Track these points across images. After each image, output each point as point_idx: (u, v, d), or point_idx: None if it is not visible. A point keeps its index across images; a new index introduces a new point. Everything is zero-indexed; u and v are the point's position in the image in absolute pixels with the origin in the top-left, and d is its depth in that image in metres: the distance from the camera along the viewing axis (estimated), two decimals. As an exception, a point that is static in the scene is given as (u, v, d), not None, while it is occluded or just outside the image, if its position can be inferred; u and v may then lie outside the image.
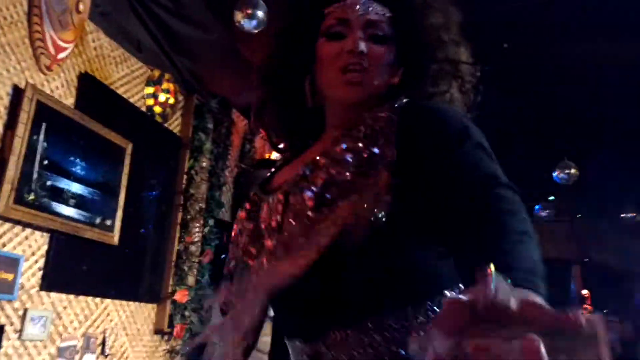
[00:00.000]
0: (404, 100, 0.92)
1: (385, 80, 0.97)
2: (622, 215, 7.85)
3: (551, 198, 8.70)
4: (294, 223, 0.82)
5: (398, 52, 0.98)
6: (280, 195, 0.88)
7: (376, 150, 0.82)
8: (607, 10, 3.72)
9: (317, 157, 0.86)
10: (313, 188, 0.82)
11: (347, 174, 0.81)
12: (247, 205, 0.99)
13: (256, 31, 3.77)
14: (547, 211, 7.66)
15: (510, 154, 7.11)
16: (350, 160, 0.82)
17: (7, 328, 3.22)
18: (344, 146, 0.84)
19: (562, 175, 5.58)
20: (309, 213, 0.80)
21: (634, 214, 7.74)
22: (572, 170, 5.53)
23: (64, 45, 3.48)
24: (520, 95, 5.10)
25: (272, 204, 0.89)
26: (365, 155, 0.82)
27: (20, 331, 3.31)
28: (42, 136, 3.38)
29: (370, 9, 0.97)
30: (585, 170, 6.01)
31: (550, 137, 5.56)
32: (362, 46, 0.94)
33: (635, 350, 5.34)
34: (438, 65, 1.00)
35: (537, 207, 7.79)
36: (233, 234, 0.99)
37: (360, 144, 0.84)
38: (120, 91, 4.24)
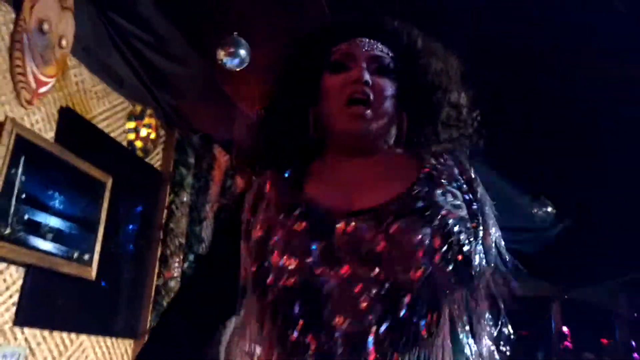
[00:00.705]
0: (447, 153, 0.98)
1: (390, 116, 1.00)
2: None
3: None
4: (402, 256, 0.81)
5: (400, 93, 1.02)
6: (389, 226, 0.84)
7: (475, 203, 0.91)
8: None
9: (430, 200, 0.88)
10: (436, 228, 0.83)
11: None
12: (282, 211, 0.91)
13: (238, 69, 3.86)
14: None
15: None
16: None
17: (-22, 365, 3.16)
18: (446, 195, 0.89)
19: (539, 213, 5.70)
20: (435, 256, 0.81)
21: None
22: (549, 209, 5.66)
23: (45, 79, 3.52)
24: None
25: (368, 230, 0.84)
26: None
27: (-9, 368, 3.24)
28: (20, 170, 3.38)
29: (375, 46, 1.02)
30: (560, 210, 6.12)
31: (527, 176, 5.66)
32: (367, 76, 0.98)
33: None
34: (444, 109, 1.03)
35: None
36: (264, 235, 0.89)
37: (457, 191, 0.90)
38: (101, 126, 4.27)
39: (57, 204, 3.71)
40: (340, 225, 0.86)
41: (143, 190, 4.84)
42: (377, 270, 0.81)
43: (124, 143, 4.51)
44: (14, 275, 3.44)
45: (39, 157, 3.55)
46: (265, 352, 0.88)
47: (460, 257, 0.84)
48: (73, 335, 3.90)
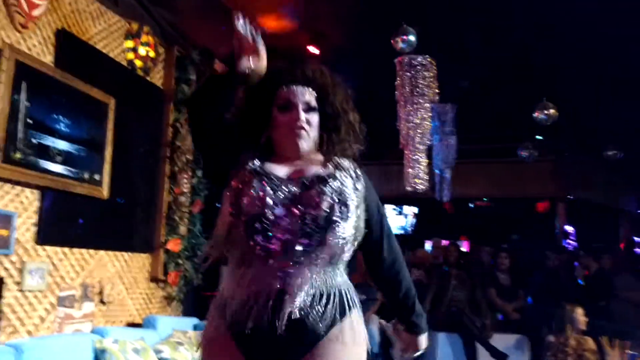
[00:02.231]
0: (343, 161, 1.64)
1: (316, 135, 1.64)
2: (605, 152, 7.99)
3: (538, 138, 8.83)
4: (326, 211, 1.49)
5: (320, 120, 1.64)
6: (319, 187, 1.52)
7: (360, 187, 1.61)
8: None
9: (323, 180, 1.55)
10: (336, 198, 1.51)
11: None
12: (248, 177, 1.53)
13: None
14: (529, 151, 7.79)
15: (492, 98, 7.20)
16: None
17: (7, 280, 3.38)
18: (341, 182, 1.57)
19: (541, 116, 5.68)
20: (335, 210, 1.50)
21: (617, 151, 7.88)
22: (551, 111, 5.62)
23: (37, 1, 3.49)
24: (500, 44, 5.15)
25: (309, 193, 1.50)
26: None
27: (20, 283, 3.47)
28: (23, 95, 3.44)
29: (306, 93, 1.62)
30: (566, 108, 6.11)
31: (529, 79, 5.63)
32: (303, 117, 1.60)
33: (613, 281, 5.62)
34: (344, 127, 1.67)
35: (518, 149, 7.93)
36: (240, 191, 1.51)
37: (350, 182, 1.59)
38: (99, 46, 4.26)
39: (63, 127, 3.79)
40: (289, 187, 1.52)
41: (146, 110, 4.90)
42: (302, 209, 1.48)
43: (124, 63, 4.51)
44: (30, 198, 3.60)
45: (40, 82, 3.60)
46: (237, 250, 1.52)
47: (343, 206, 1.51)
48: (92, 251, 4.12)
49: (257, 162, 1.57)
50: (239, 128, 1.65)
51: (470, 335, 4.93)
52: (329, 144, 1.65)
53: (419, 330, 1.75)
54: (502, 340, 4.95)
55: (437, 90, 5.68)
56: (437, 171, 6.80)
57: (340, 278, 1.55)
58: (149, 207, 4.87)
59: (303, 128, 1.59)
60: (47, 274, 3.67)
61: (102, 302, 4.19)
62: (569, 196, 9.23)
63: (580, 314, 4.35)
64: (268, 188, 1.49)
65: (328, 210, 1.48)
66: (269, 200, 1.47)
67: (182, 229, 5.04)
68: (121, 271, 4.45)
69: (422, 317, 1.75)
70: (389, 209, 10.52)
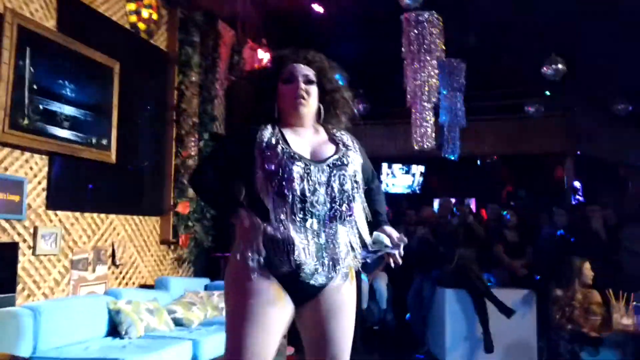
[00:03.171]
0: (345, 136, 2.01)
1: (315, 106, 1.96)
2: (615, 106, 7.89)
3: (547, 93, 8.72)
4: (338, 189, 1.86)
5: (318, 94, 1.96)
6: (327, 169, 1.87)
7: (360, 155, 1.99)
8: None
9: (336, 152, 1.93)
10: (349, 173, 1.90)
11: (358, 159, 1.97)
12: (267, 146, 1.84)
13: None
14: (536, 107, 7.71)
15: (500, 54, 7.08)
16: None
17: (21, 245, 3.45)
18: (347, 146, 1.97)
19: (549, 71, 5.59)
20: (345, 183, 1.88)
21: (626, 105, 7.78)
22: (560, 66, 5.53)
23: (37, -35, 3.44)
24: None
25: (319, 172, 1.85)
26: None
27: (34, 247, 3.54)
28: (27, 61, 3.43)
29: (305, 69, 1.95)
30: (576, 63, 6.01)
31: (537, 33, 5.52)
32: (303, 86, 1.92)
33: (619, 234, 5.63)
34: (340, 101, 2.01)
35: (526, 105, 7.84)
36: (265, 151, 1.83)
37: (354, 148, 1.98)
38: (101, 10, 4.21)
39: (68, 92, 3.79)
40: (315, 168, 1.85)
41: (151, 73, 4.87)
42: (330, 188, 1.85)
43: (127, 26, 4.47)
44: (39, 163, 3.63)
45: (44, 47, 3.58)
46: (270, 202, 1.80)
47: (359, 181, 1.92)
48: (102, 216, 4.18)
49: (278, 136, 1.87)
50: (251, 105, 1.99)
51: (478, 291, 4.99)
52: (327, 115, 1.99)
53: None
54: (509, 296, 5.01)
55: (443, 47, 5.60)
56: (445, 129, 6.76)
57: (351, 235, 1.91)
58: (157, 171, 4.90)
59: (303, 96, 1.91)
60: (60, 238, 3.74)
61: (114, 264, 4.27)
62: (577, 152, 9.16)
63: (587, 268, 4.39)
64: (304, 172, 1.82)
65: (348, 189, 1.86)
66: (309, 184, 1.82)
67: (191, 192, 5.07)
68: (132, 234, 4.52)
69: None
70: (396, 169, 10.51)
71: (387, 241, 1.91)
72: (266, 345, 1.77)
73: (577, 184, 9.73)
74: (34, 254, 3.54)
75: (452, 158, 6.87)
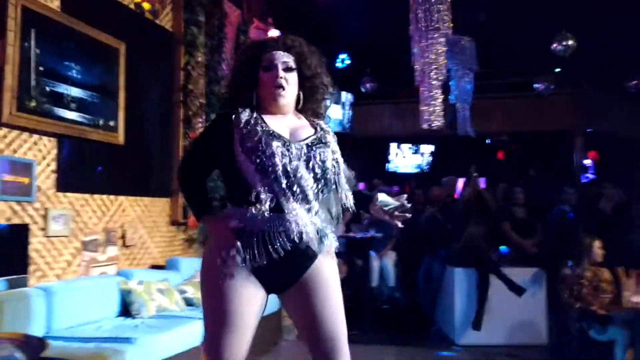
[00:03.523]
0: (322, 123, 2.06)
1: (295, 93, 1.99)
2: (626, 82, 7.78)
3: (557, 70, 8.62)
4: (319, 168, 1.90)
5: (298, 81, 1.99)
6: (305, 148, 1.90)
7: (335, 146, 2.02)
8: None
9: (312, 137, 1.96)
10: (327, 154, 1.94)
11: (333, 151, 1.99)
12: (244, 127, 1.88)
13: None
14: (546, 84, 7.63)
15: (510, 31, 6.98)
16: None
17: (33, 227, 3.48)
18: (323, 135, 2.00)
19: (559, 47, 5.51)
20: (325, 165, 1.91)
21: (637, 81, 7.67)
22: (570, 42, 5.44)
23: (41, -55, 3.41)
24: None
25: (297, 151, 1.87)
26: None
27: (45, 229, 3.57)
28: (33, 43, 3.42)
29: (284, 57, 1.96)
30: (586, 40, 5.92)
31: (548, 9, 5.42)
32: (282, 74, 1.94)
33: (630, 211, 5.59)
34: (320, 88, 2.04)
35: (535, 84, 7.75)
36: (261, 152, 1.83)
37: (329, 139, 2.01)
38: (106, -10, 4.18)
39: (75, 74, 3.78)
40: (294, 145, 1.88)
41: (157, 54, 4.85)
42: (312, 166, 1.88)
43: (132, 6, 4.44)
44: (48, 146, 3.64)
45: (49, 28, 3.56)
46: (254, 180, 1.83)
47: (338, 159, 1.98)
48: (112, 197, 4.20)
49: (257, 118, 1.91)
50: (232, 92, 2.03)
51: (487, 270, 5.00)
52: (305, 102, 2.03)
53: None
54: (519, 274, 5.01)
55: (452, 24, 5.52)
56: (457, 107, 6.70)
57: (333, 211, 1.97)
58: (165, 152, 4.91)
59: (282, 85, 1.93)
60: (71, 220, 3.76)
61: (125, 245, 4.30)
62: (587, 129, 9.08)
63: (597, 246, 4.37)
64: (284, 148, 1.85)
65: (329, 165, 1.91)
66: (290, 160, 1.84)
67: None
68: (142, 215, 4.54)
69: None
70: (405, 148, 10.47)
71: (390, 199, 1.96)
72: (242, 343, 1.85)
73: (587, 161, 9.65)
74: (45, 235, 3.57)
75: (468, 136, 6.82)
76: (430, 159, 10.70)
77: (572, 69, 8.06)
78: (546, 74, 8.03)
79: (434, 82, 5.81)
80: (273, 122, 1.92)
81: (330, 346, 1.87)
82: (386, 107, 9.64)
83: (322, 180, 1.88)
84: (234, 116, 1.89)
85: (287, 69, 1.95)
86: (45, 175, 3.61)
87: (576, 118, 8.78)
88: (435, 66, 5.70)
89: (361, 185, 9.15)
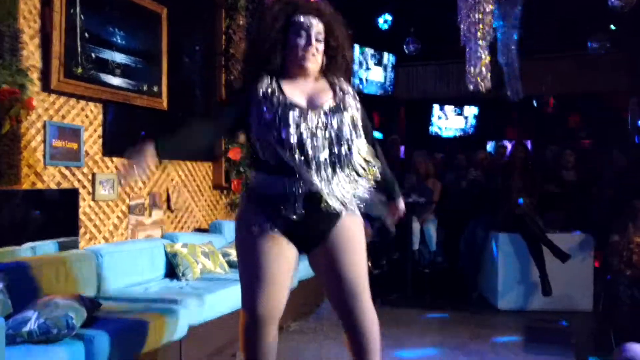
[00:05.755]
0: (343, 83, 2.06)
1: (320, 60, 2.02)
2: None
3: (612, 27, 8.18)
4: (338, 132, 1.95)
5: (325, 50, 2.02)
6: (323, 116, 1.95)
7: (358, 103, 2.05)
8: None
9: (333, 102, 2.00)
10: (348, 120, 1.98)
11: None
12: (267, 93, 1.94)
13: None
14: (601, 43, 7.25)
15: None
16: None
17: (81, 191, 3.58)
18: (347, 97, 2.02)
19: (616, 2, 5.21)
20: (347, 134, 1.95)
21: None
22: (628, -4, 5.13)
23: None
24: None
25: (317, 117, 1.93)
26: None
27: (93, 193, 3.68)
28: (78, 9, 3.45)
29: (317, 25, 1.97)
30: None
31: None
32: (314, 43, 1.97)
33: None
34: (342, 61, 2.06)
35: (589, 42, 7.37)
36: (277, 123, 1.89)
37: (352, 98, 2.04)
38: (146, -47, 4.15)
39: (119, 39, 3.82)
40: (311, 114, 1.94)
41: (199, 18, 4.84)
42: (329, 133, 1.93)
43: (172, -30, 4.41)
44: (94, 111, 3.71)
45: (92, -6, 3.58)
46: (272, 149, 1.90)
47: (357, 125, 1.98)
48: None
49: (274, 87, 1.94)
50: (257, 50, 2.00)
51: (533, 235, 4.89)
52: (327, 69, 2.05)
53: (396, 195, 2.27)
54: (565, 240, 4.89)
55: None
56: (504, 68, 6.47)
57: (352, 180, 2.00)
58: (207, 117, 4.94)
59: (313, 54, 1.97)
60: (117, 184, 3.86)
61: (169, 209, 4.40)
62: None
63: (647, 212, 4.20)
64: (300, 119, 1.89)
65: (346, 132, 1.93)
66: (307, 129, 1.89)
67: (242, 138, 5.10)
68: (185, 180, 4.62)
69: (396, 185, 2.26)
70: (449, 110, 10.24)
71: (382, 211, 2.08)
72: (275, 298, 1.98)
73: (641, 123, 9.23)
74: (93, 199, 3.68)
75: (515, 99, 6.61)
76: (474, 121, 10.44)
77: (628, 26, 7.62)
78: (601, 31, 7.62)
79: (480, 42, 5.61)
80: (291, 89, 1.96)
81: (352, 303, 1.98)
82: (429, 69, 9.41)
83: (339, 147, 1.91)
84: (254, 87, 1.94)
85: (318, 39, 1.97)
86: (92, 140, 3.70)
87: (631, 78, 8.35)
88: (481, 25, 5.50)
89: (402, 149, 9.06)
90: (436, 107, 10.13)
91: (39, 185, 3.30)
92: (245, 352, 2.04)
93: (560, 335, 4.28)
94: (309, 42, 1.95)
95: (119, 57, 3.81)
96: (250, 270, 1.97)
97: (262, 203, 1.94)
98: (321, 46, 1.99)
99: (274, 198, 1.91)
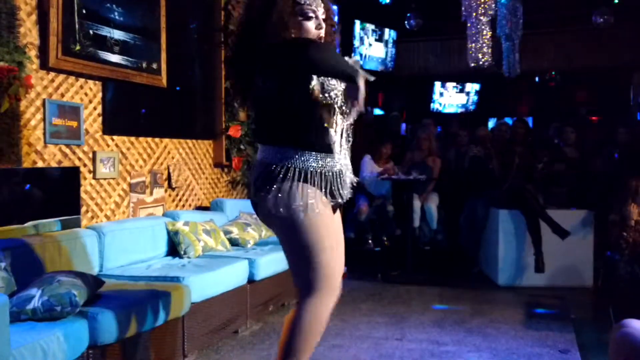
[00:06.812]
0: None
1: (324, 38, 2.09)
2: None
3: (615, 1, 8.08)
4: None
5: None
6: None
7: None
8: None
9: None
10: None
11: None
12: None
13: None
14: (605, 17, 7.17)
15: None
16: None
17: (82, 169, 3.58)
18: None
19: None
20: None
21: None
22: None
23: None
24: None
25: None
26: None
27: (94, 171, 3.67)
28: (74, -15, 3.40)
29: (321, 9, 2.03)
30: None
31: None
32: (322, 25, 2.04)
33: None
34: (331, 25, 2.12)
35: (592, 15, 7.28)
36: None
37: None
38: None
39: (116, 16, 3.77)
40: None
41: (197, -7, 4.77)
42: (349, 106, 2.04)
43: (170, -56, 4.34)
44: (94, 89, 3.69)
45: (89, -31, 3.53)
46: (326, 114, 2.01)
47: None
48: (157, 140, 4.26)
49: None
50: (259, 29, 1.97)
51: (533, 212, 4.91)
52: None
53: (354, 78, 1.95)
54: (565, 217, 4.91)
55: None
56: (503, 44, 6.40)
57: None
58: (207, 94, 4.91)
59: (321, 38, 2.04)
60: (118, 162, 3.85)
61: (170, 187, 4.40)
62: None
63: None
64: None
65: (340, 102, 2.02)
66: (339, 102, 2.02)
67: (242, 115, 5.09)
68: (186, 158, 4.61)
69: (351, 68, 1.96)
70: (450, 87, 10.17)
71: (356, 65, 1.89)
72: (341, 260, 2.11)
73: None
74: (94, 177, 3.68)
75: (513, 76, 6.56)
76: (476, 98, 10.38)
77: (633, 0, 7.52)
78: (604, 4, 7.53)
79: (481, 17, 5.56)
80: None
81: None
82: (430, 45, 9.32)
83: (348, 126, 2.08)
84: None
85: (320, 23, 2.04)
86: (92, 118, 3.68)
87: (636, 53, 8.27)
88: (482, 0, 5.44)
89: (404, 125, 9.02)
90: (437, 83, 10.06)
91: (40, 164, 3.29)
92: (314, 334, 1.99)
93: (560, 311, 4.32)
94: (320, 26, 2.03)
95: (118, 34, 3.78)
96: (329, 251, 1.98)
97: (318, 181, 1.98)
98: (323, 32, 2.06)
99: (328, 176, 2.00)
